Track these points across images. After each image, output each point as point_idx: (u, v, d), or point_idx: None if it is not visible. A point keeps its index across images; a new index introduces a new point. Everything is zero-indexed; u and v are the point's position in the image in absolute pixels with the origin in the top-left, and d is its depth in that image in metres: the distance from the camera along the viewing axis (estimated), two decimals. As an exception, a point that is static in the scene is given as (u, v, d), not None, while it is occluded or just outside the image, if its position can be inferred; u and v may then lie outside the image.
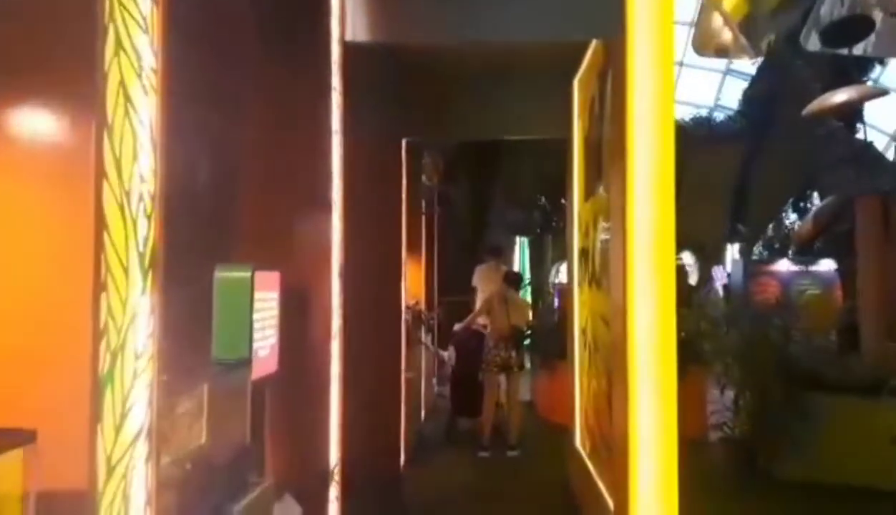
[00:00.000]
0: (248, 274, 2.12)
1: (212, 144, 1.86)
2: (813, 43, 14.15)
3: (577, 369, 4.21)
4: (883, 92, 6.37)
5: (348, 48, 2.81)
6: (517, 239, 13.22)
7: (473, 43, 3.99)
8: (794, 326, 6.09)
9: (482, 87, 4.67)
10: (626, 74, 2.76)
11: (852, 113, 8.27)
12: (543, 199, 11.97)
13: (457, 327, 6.31)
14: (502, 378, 5.97)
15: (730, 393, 5.21)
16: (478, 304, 6.53)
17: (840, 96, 6.50)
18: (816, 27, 13.95)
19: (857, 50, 11.81)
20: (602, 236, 3.33)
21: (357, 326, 2.99)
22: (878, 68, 13.04)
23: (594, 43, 3.70)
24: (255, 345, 2.17)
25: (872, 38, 11.50)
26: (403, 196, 4.73)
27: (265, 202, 2.42)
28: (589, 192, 3.93)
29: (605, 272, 3.20)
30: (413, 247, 6.19)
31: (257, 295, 2.18)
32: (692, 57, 23.16)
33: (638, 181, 2.69)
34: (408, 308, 5.47)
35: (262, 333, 2.24)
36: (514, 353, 5.85)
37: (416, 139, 5.14)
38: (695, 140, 15.76)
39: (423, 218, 6.79)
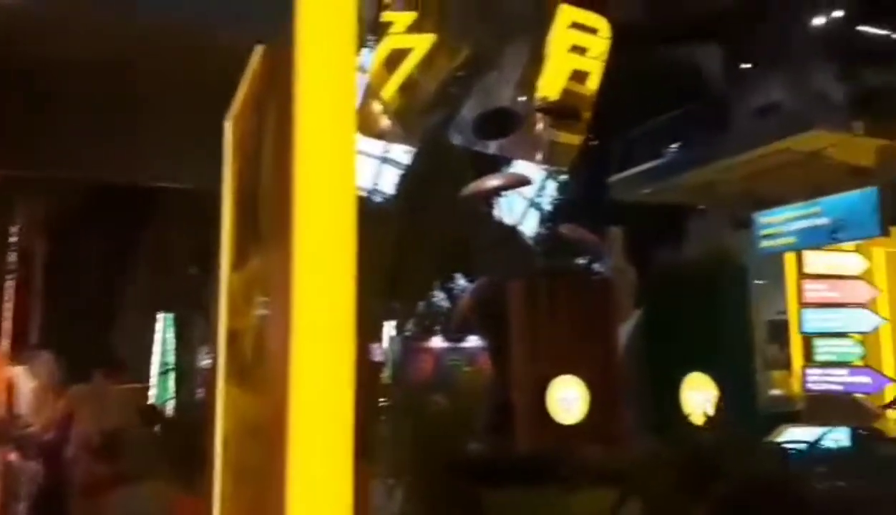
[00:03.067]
0: None
1: None
2: (457, 138, 15.60)
3: (218, 500, 3.15)
4: (528, 181, 6.85)
5: None
6: (161, 316, 11.40)
7: (93, 43, 2.88)
8: (455, 406, 5.87)
9: (106, 111, 3.48)
10: (294, 98, 2.00)
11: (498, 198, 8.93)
12: (196, 267, 10.53)
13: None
14: None
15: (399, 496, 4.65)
16: None
17: (494, 181, 6.78)
18: (460, 124, 15.41)
19: (492, 149, 13.28)
20: (259, 316, 2.45)
21: None
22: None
23: (252, 65, 2.91)
24: None
25: (503, 140, 12.97)
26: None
27: None
28: (241, 258, 3.03)
29: (261, 367, 2.31)
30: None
31: None
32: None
33: (307, 244, 1.91)
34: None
35: None
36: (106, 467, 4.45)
37: (-6, 172, 3.65)
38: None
39: (16, 287, 5.05)
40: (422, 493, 4.67)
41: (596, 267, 6.01)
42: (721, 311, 5.68)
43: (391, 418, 6.18)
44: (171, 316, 11.04)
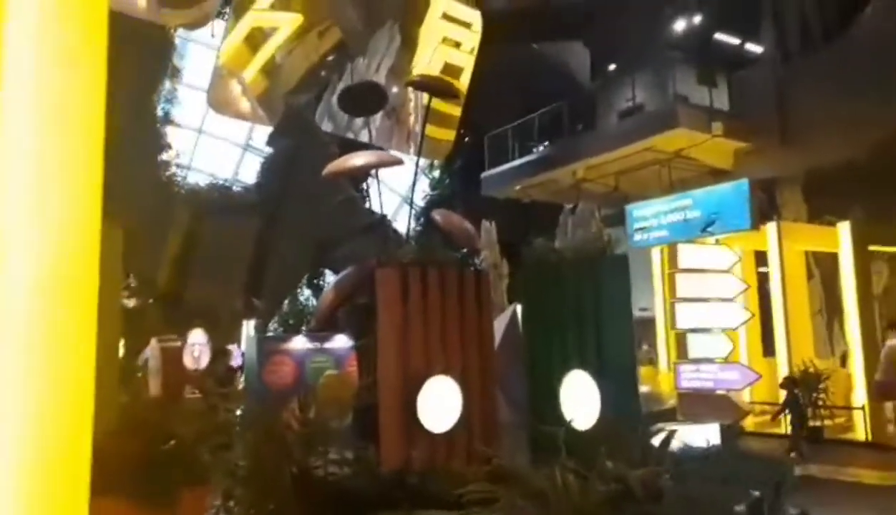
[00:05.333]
0: None
1: None
2: (327, 124, 14.54)
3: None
4: (398, 161, 6.17)
5: None
6: None
7: None
8: (308, 415, 5.05)
9: None
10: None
11: (367, 182, 8.20)
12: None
13: None
14: None
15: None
16: None
17: (358, 160, 6.03)
18: (328, 111, 14.36)
19: (363, 138, 12.46)
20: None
21: None
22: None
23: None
24: None
25: (374, 130, 12.24)
26: None
27: None
28: None
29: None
30: None
31: None
32: (211, 126, 22.34)
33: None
34: None
35: None
36: None
37: None
38: (210, 209, 14.67)
39: None
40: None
41: (469, 260, 5.46)
42: (599, 306, 5.28)
43: (240, 432, 5.31)
44: None
